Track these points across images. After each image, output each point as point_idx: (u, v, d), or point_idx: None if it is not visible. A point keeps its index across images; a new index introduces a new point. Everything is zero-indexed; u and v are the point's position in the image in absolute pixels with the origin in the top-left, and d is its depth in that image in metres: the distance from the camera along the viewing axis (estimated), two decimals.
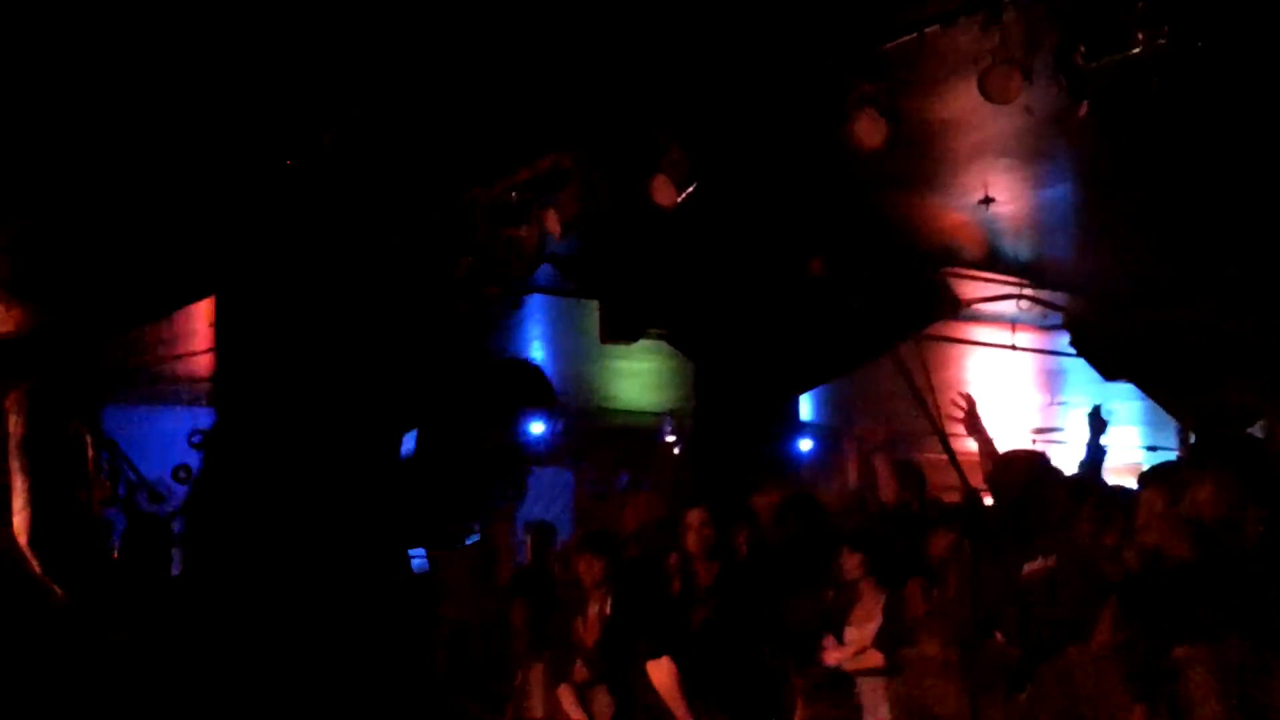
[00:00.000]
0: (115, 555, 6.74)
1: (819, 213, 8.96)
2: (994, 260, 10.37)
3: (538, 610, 8.56)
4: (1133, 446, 16.29)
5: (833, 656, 7.12)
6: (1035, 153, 8.25)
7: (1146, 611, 5.95)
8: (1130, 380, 11.23)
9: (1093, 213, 9.46)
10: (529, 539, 9.72)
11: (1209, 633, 5.70)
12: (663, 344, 11.26)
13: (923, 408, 10.54)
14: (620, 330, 10.25)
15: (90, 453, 3.38)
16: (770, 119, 7.09)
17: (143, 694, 3.17)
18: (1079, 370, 12.00)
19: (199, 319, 10.43)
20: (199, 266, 3.70)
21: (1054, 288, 10.83)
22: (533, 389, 3.52)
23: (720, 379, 10.68)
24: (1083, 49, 5.79)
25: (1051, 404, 15.38)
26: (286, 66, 5.08)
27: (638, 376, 13.83)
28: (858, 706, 7.07)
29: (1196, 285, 9.74)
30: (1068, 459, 8.84)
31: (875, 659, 7.03)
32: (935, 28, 6.14)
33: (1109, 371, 11.09)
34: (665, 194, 7.24)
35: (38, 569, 3.24)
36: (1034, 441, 14.85)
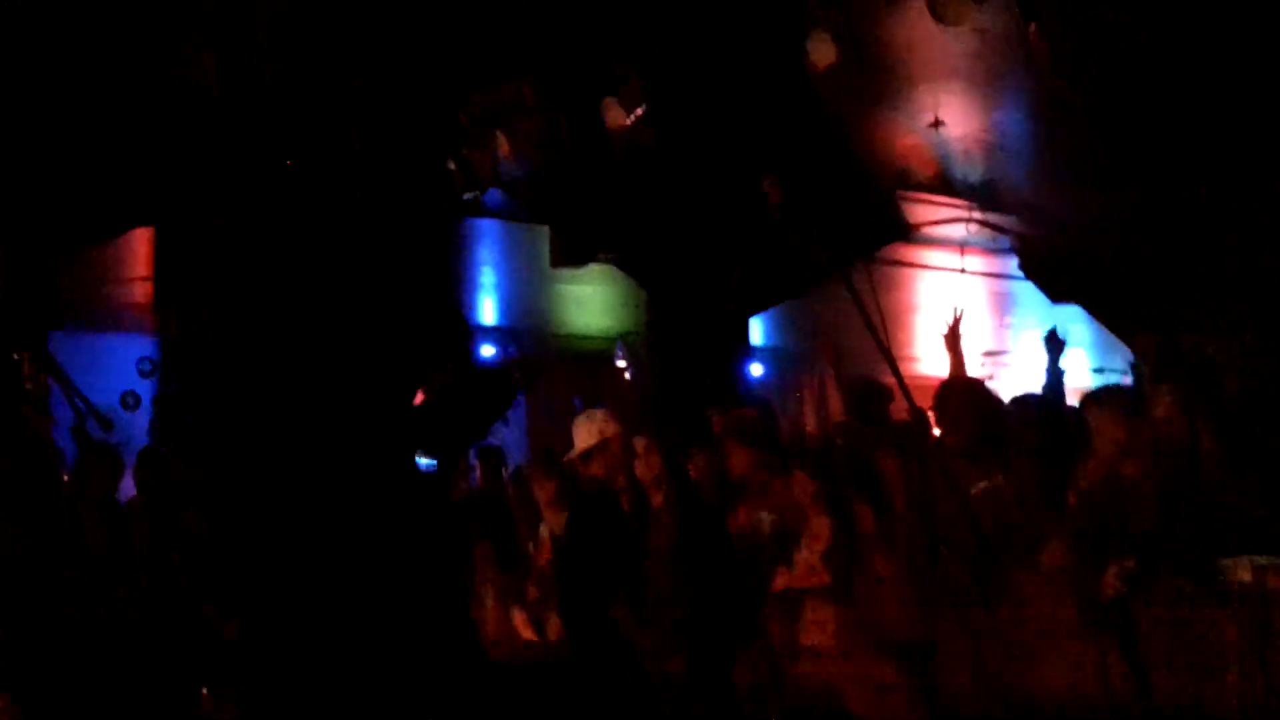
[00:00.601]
0: (66, 482, 6.71)
1: (770, 134, 8.93)
2: (944, 183, 10.38)
3: (490, 533, 8.59)
4: (1080, 369, 16.42)
5: (782, 579, 7.16)
6: (986, 76, 8.24)
7: (1098, 532, 5.98)
8: (1078, 303, 11.30)
9: (1043, 136, 9.47)
10: (479, 464, 9.71)
11: (1161, 557, 5.72)
12: (613, 268, 11.23)
13: (871, 331, 10.55)
14: (571, 255, 10.22)
15: (38, 380, 3.36)
16: (725, 40, 7.05)
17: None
18: (1028, 293, 12.08)
19: (142, 244, 10.32)
20: (138, 190, 3.67)
21: (1004, 211, 10.86)
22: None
23: (671, 303, 10.67)
24: None
25: (1001, 327, 15.49)
26: None
27: (589, 301, 13.81)
28: (808, 626, 7.10)
29: (1148, 213, 9.77)
30: (1016, 380, 8.88)
31: (823, 579, 7.06)
32: None
33: (1057, 294, 11.16)
34: (615, 115, 7.21)
35: None
36: (983, 364, 14.96)
